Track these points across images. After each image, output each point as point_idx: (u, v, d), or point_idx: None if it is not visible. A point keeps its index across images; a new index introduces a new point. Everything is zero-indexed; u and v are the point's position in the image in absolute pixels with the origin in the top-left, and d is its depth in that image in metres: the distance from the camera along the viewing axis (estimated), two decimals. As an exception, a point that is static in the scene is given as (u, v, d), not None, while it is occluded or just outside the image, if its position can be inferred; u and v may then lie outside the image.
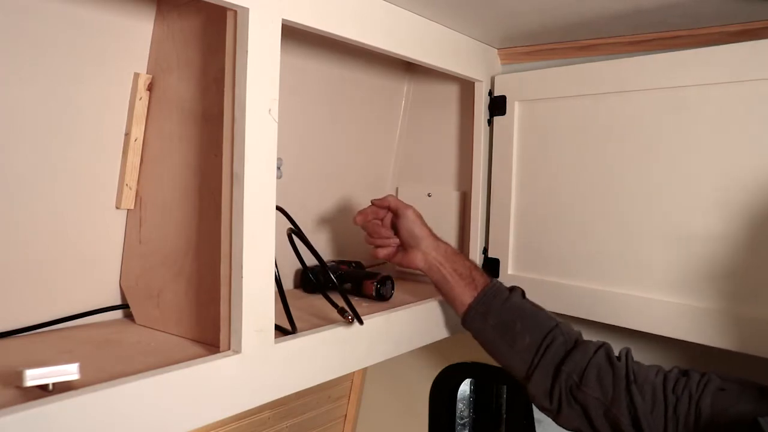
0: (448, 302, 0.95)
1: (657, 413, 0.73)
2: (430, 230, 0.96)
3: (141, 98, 0.83)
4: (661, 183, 0.93)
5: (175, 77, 0.82)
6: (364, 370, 1.42)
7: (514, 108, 1.10)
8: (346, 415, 1.44)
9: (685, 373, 0.76)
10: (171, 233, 0.82)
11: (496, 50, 1.16)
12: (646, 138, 0.94)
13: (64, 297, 0.82)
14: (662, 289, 0.92)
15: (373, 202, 0.98)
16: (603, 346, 0.83)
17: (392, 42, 0.90)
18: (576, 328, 0.88)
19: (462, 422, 1.39)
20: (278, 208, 0.75)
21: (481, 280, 0.91)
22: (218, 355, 0.68)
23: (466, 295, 0.90)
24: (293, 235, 0.86)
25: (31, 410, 0.51)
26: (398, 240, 0.97)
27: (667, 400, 0.73)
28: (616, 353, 0.83)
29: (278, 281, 0.75)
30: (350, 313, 0.83)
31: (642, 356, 1.01)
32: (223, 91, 0.70)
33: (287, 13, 0.72)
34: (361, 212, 0.98)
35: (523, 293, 0.92)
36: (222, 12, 0.69)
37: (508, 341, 0.86)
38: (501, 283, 0.93)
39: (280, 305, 0.76)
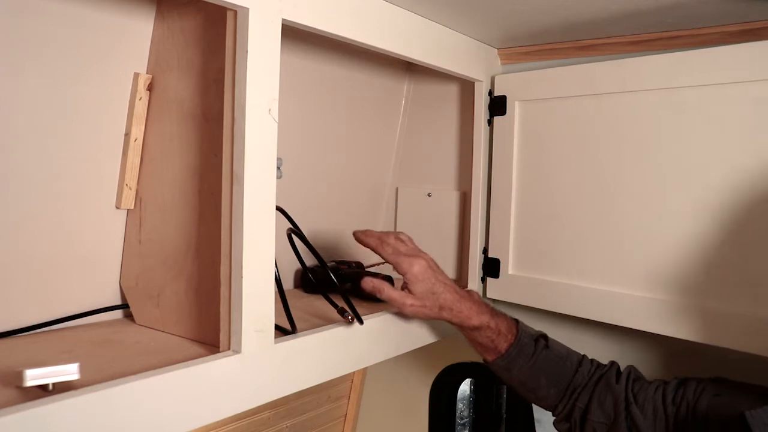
0: None
1: (659, 428, 0.75)
2: (434, 301, 0.84)
3: (141, 98, 0.83)
4: (661, 183, 0.93)
5: (175, 77, 0.82)
6: (364, 370, 1.42)
7: (514, 108, 1.10)
8: (346, 415, 1.44)
9: (682, 382, 0.78)
10: (171, 233, 0.82)
11: (496, 50, 1.16)
12: (646, 138, 0.94)
13: (64, 297, 0.82)
14: (662, 289, 0.92)
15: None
16: (606, 373, 0.84)
17: (392, 42, 0.90)
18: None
19: (462, 422, 1.39)
20: (278, 208, 0.75)
21: (504, 345, 0.86)
22: (218, 355, 0.68)
23: (487, 355, 0.89)
24: (293, 235, 0.86)
25: (31, 410, 0.51)
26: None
27: (667, 412, 0.76)
28: (623, 368, 0.85)
29: (278, 281, 0.75)
30: (350, 313, 0.83)
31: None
32: (223, 91, 0.70)
33: (287, 13, 0.72)
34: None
35: (546, 342, 0.88)
36: (222, 12, 0.69)
37: (532, 392, 0.87)
38: (526, 336, 0.87)
39: (280, 305, 0.76)
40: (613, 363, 0.86)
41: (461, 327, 0.86)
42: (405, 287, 0.85)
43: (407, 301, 0.84)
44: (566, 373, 0.86)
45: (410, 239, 0.89)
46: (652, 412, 0.76)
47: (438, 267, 0.87)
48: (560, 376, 0.86)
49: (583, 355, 0.89)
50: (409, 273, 0.83)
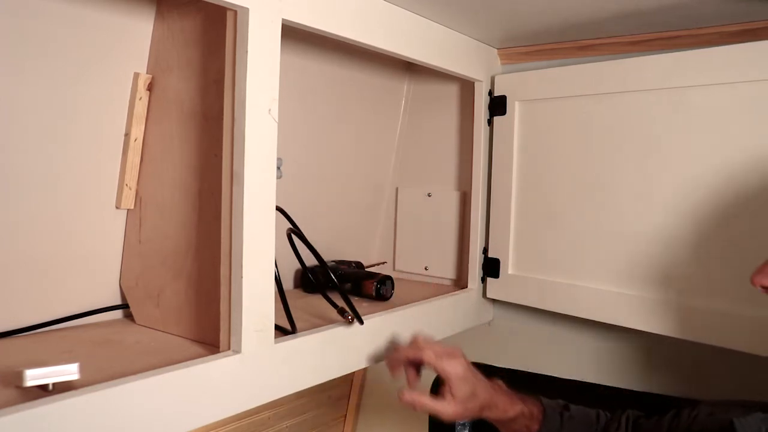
0: None
1: None
2: (476, 403, 0.82)
3: (141, 98, 0.83)
4: (660, 182, 0.93)
5: (175, 77, 0.82)
6: (364, 370, 1.41)
7: (514, 108, 1.10)
8: (346, 415, 1.44)
9: (677, 413, 0.77)
10: (171, 233, 0.82)
11: (496, 50, 1.16)
12: (646, 138, 0.94)
13: (64, 297, 0.82)
14: (662, 288, 0.92)
15: (406, 354, 0.84)
16: (609, 422, 0.84)
17: (392, 42, 0.90)
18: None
19: (462, 422, 1.39)
20: (278, 208, 0.75)
21: (536, 426, 0.84)
22: (218, 355, 0.68)
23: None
24: (293, 235, 0.86)
25: (31, 410, 0.51)
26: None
27: None
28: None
29: (278, 281, 0.75)
30: (350, 313, 0.83)
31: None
32: (223, 91, 0.70)
33: (287, 13, 0.72)
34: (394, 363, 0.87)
35: (569, 411, 0.86)
36: (222, 12, 0.69)
37: None
38: (551, 411, 0.85)
39: (280, 305, 0.76)
40: (615, 411, 0.85)
41: (498, 421, 0.84)
42: (446, 390, 0.81)
43: (448, 410, 0.81)
44: None
45: (431, 338, 0.87)
46: None
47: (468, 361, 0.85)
48: None
49: (598, 411, 0.87)
50: (453, 376, 0.81)
